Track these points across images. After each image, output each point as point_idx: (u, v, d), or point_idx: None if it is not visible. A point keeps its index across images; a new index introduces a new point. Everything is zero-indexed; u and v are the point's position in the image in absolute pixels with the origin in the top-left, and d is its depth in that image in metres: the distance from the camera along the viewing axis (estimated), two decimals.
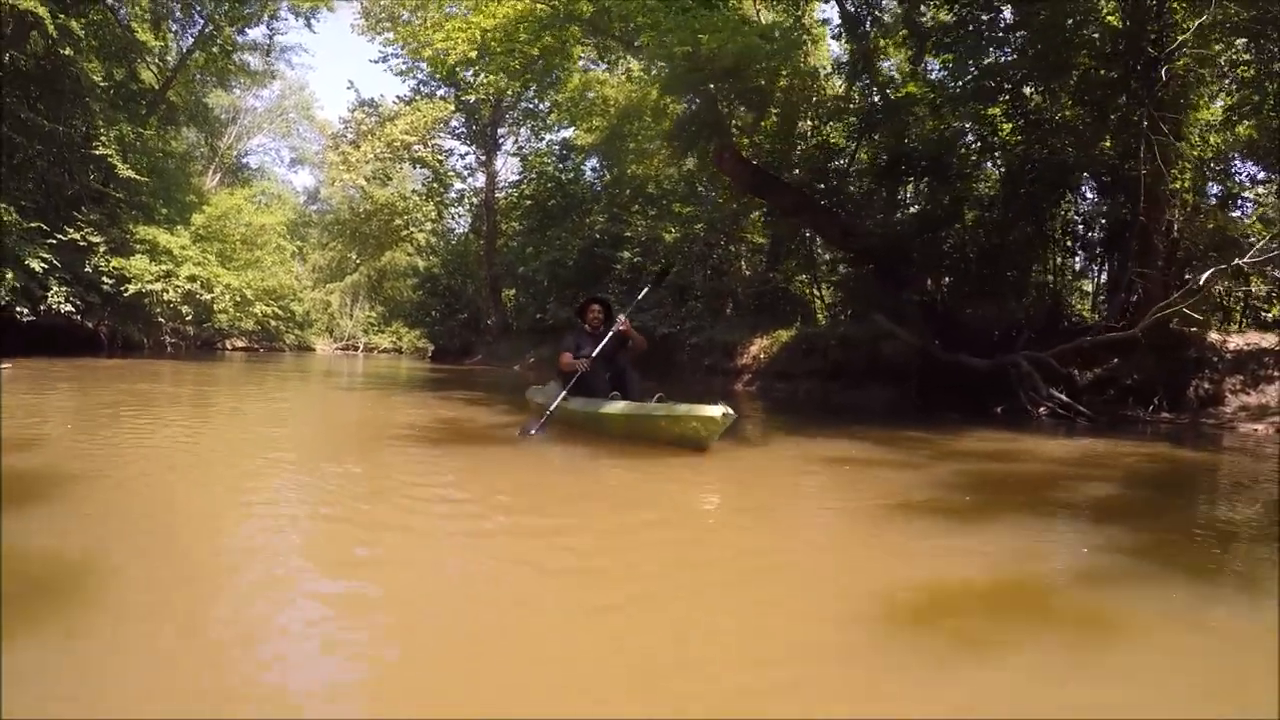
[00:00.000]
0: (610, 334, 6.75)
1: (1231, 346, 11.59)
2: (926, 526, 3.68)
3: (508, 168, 34.13)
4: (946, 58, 12.73)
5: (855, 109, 14.40)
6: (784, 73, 12.62)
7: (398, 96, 27.85)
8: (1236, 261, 9.60)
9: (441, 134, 29.94)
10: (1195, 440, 8.90)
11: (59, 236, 18.14)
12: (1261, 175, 15.60)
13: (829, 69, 17.18)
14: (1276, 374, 11.05)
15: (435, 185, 31.73)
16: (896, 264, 12.21)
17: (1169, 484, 5.68)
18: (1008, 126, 12.71)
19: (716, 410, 5.28)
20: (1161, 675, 2.03)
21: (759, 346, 16.53)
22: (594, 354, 6.69)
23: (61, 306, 18.28)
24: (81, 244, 19.07)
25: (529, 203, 28.53)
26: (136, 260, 20.79)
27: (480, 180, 32.77)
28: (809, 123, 14.96)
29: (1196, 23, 9.95)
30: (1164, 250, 11.40)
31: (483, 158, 32.37)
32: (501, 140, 32.44)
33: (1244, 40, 10.95)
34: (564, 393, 6.72)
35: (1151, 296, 10.75)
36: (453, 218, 35.77)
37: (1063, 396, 10.45)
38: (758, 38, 10.69)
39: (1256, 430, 9.57)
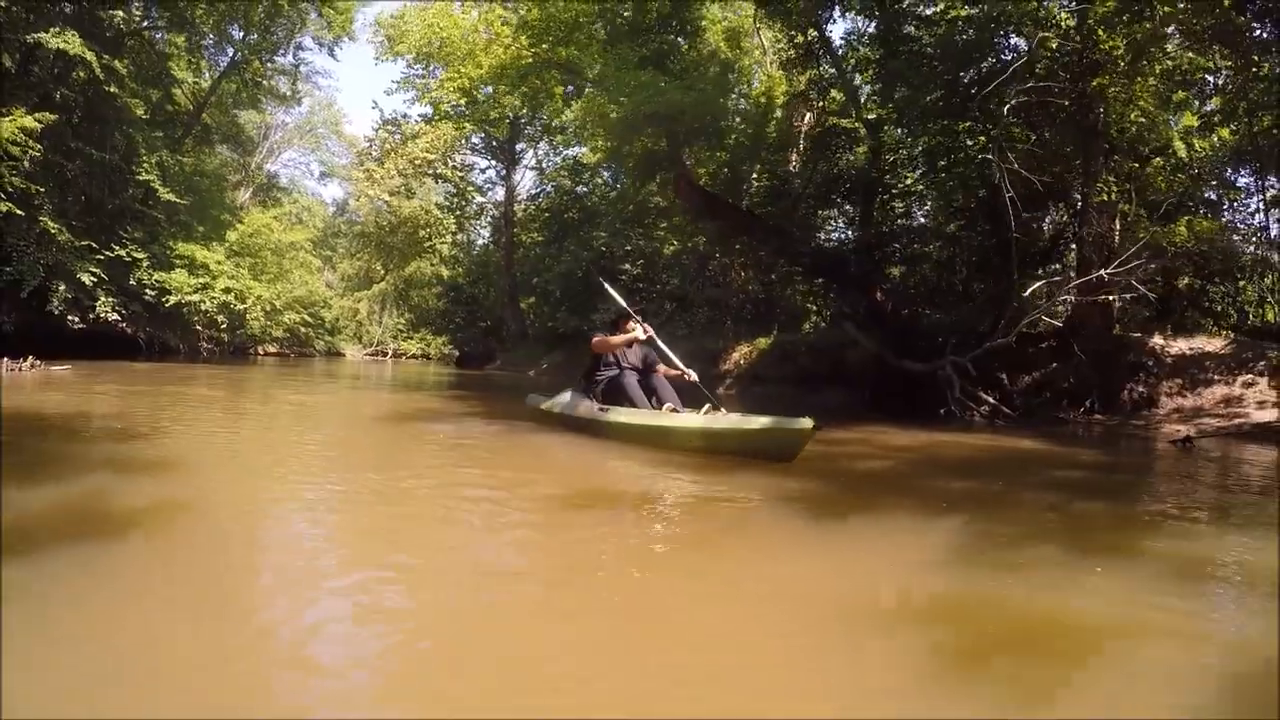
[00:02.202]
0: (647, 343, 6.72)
1: (1174, 351, 12.00)
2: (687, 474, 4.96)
3: (526, 180, 35.36)
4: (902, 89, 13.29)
5: (808, 134, 15.37)
6: (726, 113, 13.68)
7: (420, 115, 29.14)
8: (1101, 272, 10.27)
9: (462, 149, 31.35)
10: (1087, 439, 9.52)
11: (106, 253, 19.73)
12: (1243, 182, 16.04)
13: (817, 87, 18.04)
14: (1217, 378, 11.43)
15: (456, 199, 33.11)
16: (838, 277, 13.16)
17: (960, 467, 6.28)
18: (977, 141, 13.01)
19: (806, 422, 5.08)
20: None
21: (740, 353, 17.46)
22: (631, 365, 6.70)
23: (108, 315, 19.92)
24: (126, 260, 20.71)
25: (546, 215, 29.84)
26: (176, 274, 22.51)
27: (500, 193, 34.06)
28: (767, 154, 15.94)
29: (1111, 44, 10.39)
30: (1099, 261, 12.03)
31: (502, 172, 33.57)
32: (520, 155, 33.55)
33: (1218, 47, 11.14)
34: (591, 400, 6.71)
35: (1081, 306, 11.48)
36: (474, 229, 37.23)
37: (989, 399, 11.19)
38: (687, 90, 11.80)
39: (1179, 430, 9.67)
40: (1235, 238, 16.12)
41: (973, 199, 12.60)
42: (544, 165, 32.13)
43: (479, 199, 34.46)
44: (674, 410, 6.15)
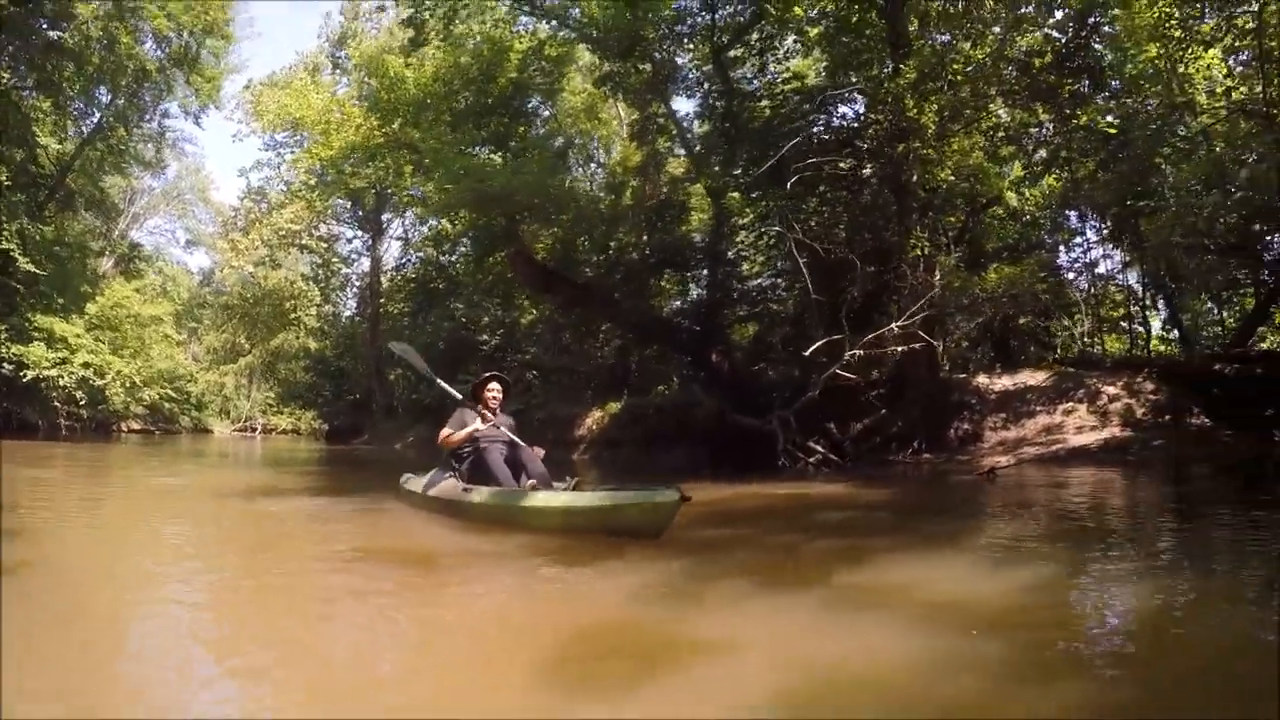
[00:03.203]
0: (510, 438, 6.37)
1: (997, 387, 12.77)
2: None
3: (393, 250, 34.92)
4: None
5: (647, 207, 16.13)
6: (559, 192, 14.30)
7: (285, 184, 28.91)
8: (893, 326, 11.09)
9: (327, 220, 31.11)
10: (906, 478, 10.07)
11: None
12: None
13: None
14: (1039, 408, 12.27)
15: (322, 270, 32.85)
16: (670, 342, 13.73)
17: (740, 517, 6.55)
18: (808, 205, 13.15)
19: (671, 495, 4.73)
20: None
21: (594, 418, 17.79)
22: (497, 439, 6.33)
23: None
24: None
25: (412, 285, 29.79)
26: (35, 347, 21.73)
27: (367, 264, 33.83)
28: (609, 225, 16.57)
29: (918, 111, 11.02)
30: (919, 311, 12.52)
31: (369, 242, 33.41)
32: (386, 225, 33.31)
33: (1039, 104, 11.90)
34: (458, 482, 6.24)
35: (908, 352, 11.59)
36: (341, 300, 36.93)
37: (818, 448, 11.55)
38: (516, 174, 12.35)
39: (999, 462, 10.12)
40: (1069, 275, 17.55)
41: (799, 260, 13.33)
42: (410, 235, 32.12)
43: (345, 270, 34.35)
44: (536, 488, 5.84)
